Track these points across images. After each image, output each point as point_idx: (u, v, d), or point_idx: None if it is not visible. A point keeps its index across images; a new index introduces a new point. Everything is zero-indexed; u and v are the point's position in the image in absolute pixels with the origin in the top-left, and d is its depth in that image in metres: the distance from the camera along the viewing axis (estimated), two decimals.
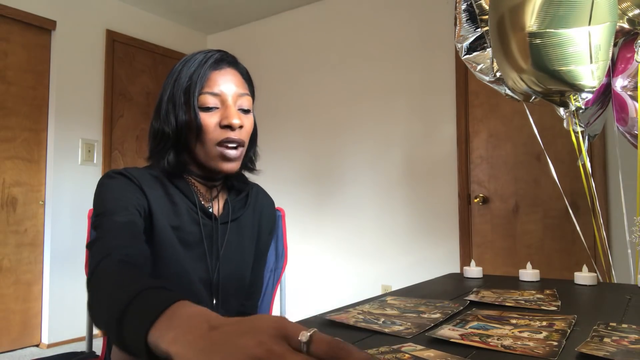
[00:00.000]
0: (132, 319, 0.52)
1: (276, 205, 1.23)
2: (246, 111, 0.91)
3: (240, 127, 0.88)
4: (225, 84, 0.88)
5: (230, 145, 0.88)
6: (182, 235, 0.89)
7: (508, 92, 1.73)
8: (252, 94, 0.95)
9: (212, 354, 0.37)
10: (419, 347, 0.62)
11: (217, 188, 0.97)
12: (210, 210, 0.95)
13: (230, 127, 0.87)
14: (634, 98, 1.47)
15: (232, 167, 0.90)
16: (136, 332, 0.49)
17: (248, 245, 1.00)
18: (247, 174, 1.04)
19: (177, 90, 0.88)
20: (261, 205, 1.05)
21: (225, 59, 0.90)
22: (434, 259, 2.99)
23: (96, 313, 0.61)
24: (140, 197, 0.85)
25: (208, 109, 0.87)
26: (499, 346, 0.62)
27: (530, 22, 1.18)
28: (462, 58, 1.82)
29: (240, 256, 0.97)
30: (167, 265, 0.86)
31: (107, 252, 0.70)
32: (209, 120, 0.87)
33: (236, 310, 0.99)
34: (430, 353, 0.59)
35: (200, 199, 0.94)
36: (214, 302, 0.93)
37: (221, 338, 0.38)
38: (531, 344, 0.63)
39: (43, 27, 3.16)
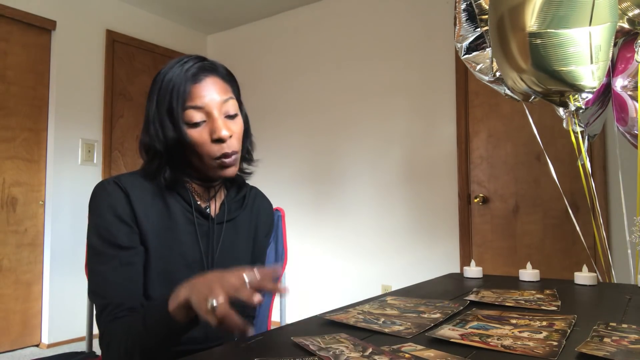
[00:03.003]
0: (152, 313, 0.74)
1: (276, 206, 1.23)
2: (233, 116, 0.90)
3: (230, 136, 0.88)
4: (208, 95, 0.87)
5: (225, 157, 0.88)
6: (177, 235, 0.90)
7: (508, 92, 1.73)
8: (237, 93, 0.94)
9: (196, 286, 0.69)
10: (419, 347, 0.62)
11: (214, 188, 0.98)
12: (207, 210, 0.95)
13: (220, 140, 0.87)
14: (634, 98, 1.47)
15: (231, 172, 0.91)
16: (159, 312, 0.73)
17: (244, 245, 1.00)
18: (246, 173, 1.04)
19: (161, 108, 0.87)
20: (258, 208, 1.06)
21: (203, 68, 0.88)
22: (434, 258, 2.99)
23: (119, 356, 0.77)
24: (129, 210, 0.86)
25: (195, 125, 0.86)
26: (499, 346, 0.62)
27: (531, 22, 1.18)
28: (462, 58, 1.82)
29: (236, 256, 0.98)
30: (156, 267, 0.87)
31: (112, 317, 0.80)
32: (199, 135, 0.86)
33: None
34: (430, 353, 0.59)
35: (197, 199, 0.95)
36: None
37: (204, 280, 0.70)
38: (531, 344, 0.63)
39: (43, 27, 3.16)
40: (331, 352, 0.58)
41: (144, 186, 0.90)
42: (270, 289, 0.70)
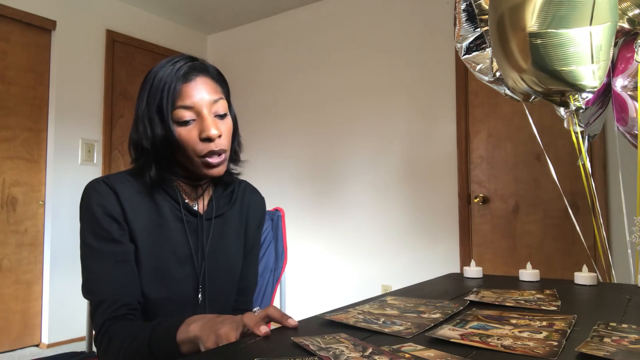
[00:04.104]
0: (159, 335, 0.75)
1: (276, 205, 1.23)
2: (223, 116, 0.91)
3: (219, 136, 0.88)
4: (198, 95, 0.87)
5: (212, 155, 0.89)
6: (166, 232, 0.91)
7: (508, 92, 1.73)
8: (226, 93, 0.95)
9: (208, 324, 0.70)
10: (419, 347, 0.62)
11: (202, 187, 0.98)
12: (195, 207, 0.96)
13: (209, 139, 0.87)
14: (634, 98, 1.47)
15: (217, 171, 0.91)
16: (166, 337, 0.73)
17: (234, 240, 1.01)
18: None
19: (151, 106, 0.87)
20: (248, 201, 1.06)
21: (194, 68, 0.89)
22: (434, 258, 2.99)
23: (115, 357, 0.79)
24: (119, 208, 0.87)
25: (185, 123, 0.87)
26: (499, 346, 0.62)
27: (531, 22, 1.18)
28: (462, 58, 1.82)
29: (226, 251, 0.99)
30: (148, 265, 0.88)
31: (109, 314, 0.82)
32: (188, 133, 0.87)
33: (230, 306, 1.01)
34: (430, 353, 0.59)
35: (185, 197, 0.95)
36: (199, 297, 0.93)
37: (217, 319, 0.71)
38: (531, 344, 0.63)
39: (43, 27, 3.16)
40: (331, 352, 0.58)
41: (132, 185, 0.91)
42: (282, 325, 0.72)
